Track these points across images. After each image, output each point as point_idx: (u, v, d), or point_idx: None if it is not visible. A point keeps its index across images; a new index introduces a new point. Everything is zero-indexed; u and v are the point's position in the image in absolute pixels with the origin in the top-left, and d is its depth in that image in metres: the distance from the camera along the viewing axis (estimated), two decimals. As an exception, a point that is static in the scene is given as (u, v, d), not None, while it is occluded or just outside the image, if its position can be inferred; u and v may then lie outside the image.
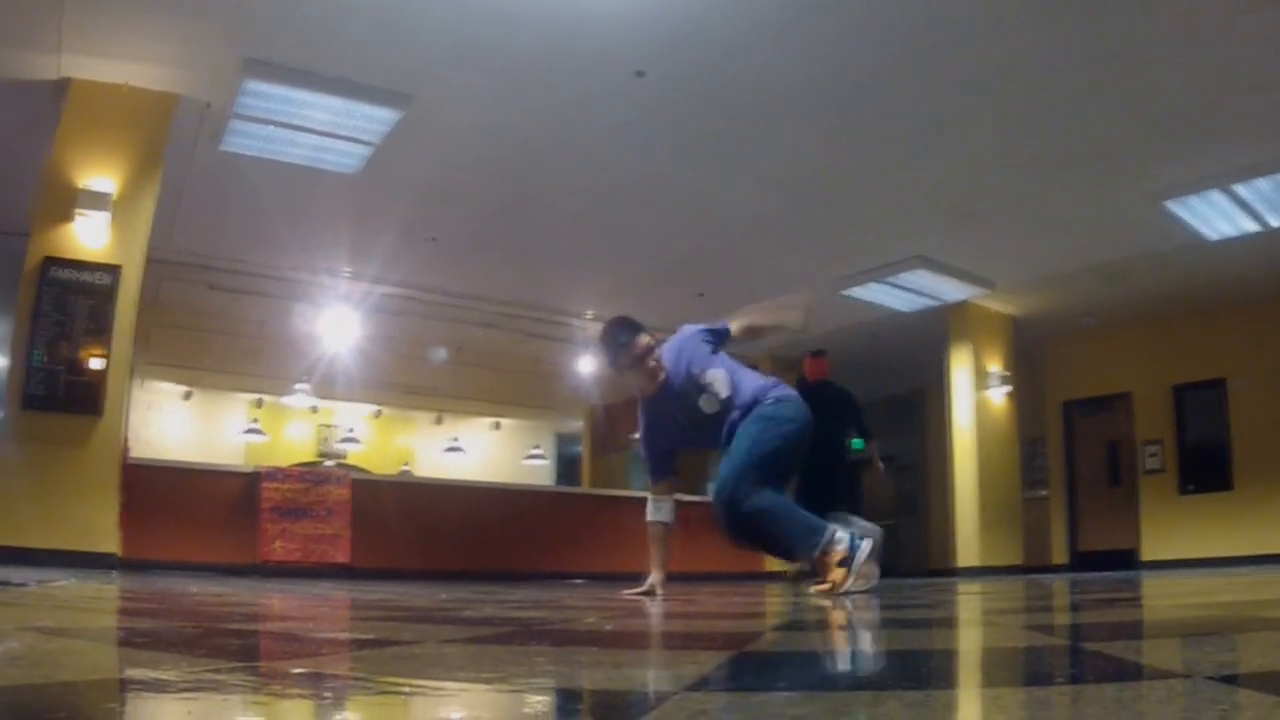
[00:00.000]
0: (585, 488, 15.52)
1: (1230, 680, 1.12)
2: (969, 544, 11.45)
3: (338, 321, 11.66)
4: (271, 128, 7.30)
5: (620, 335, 4.42)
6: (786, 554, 4.44)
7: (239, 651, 1.74)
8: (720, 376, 4.46)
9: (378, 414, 16.24)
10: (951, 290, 11.27)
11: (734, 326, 4.68)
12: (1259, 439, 11.31)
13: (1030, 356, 13.40)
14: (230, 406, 15.00)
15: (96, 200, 6.57)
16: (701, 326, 4.65)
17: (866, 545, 4.20)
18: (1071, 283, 11.24)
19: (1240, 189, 8.33)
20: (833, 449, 8.24)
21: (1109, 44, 6.35)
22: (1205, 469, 11.88)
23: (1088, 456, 13.53)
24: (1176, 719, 0.91)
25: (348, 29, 6.27)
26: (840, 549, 4.16)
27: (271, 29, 6.28)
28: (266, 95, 6.88)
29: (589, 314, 12.50)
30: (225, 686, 1.15)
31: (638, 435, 4.64)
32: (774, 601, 4.45)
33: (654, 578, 4.61)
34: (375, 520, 9.82)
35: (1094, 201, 8.89)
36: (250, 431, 14.59)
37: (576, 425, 17.61)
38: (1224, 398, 11.78)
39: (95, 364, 6.43)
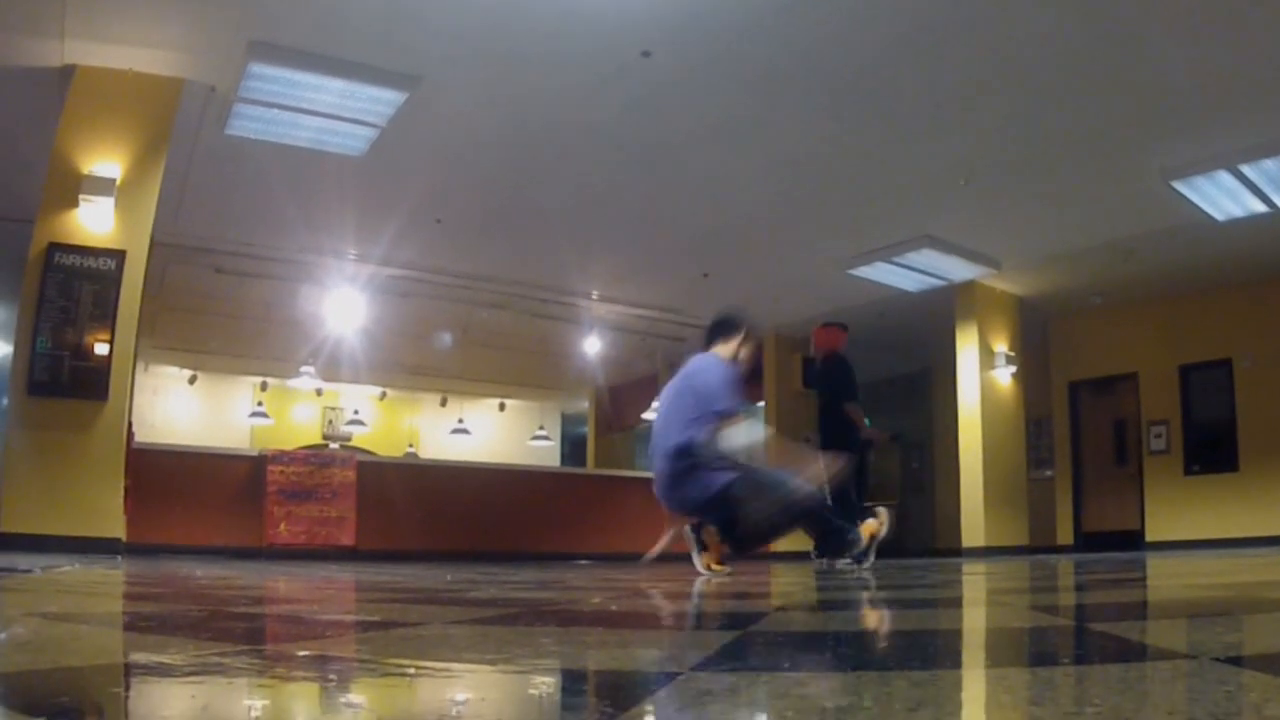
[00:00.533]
0: (591, 468, 15.55)
1: (1236, 662, 1.12)
2: (975, 524, 11.43)
3: (343, 304, 11.65)
4: (276, 111, 7.27)
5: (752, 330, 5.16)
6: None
7: (244, 635, 1.75)
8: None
9: (383, 396, 16.26)
10: (958, 270, 11.23)
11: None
12: (1265, 420, 11.25)
13: (1036, 336, 13.35)
14: (236, 390, 15.03)
15: (101, 186, 6.55)
16: None
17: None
18: (1078, 263, 11.18)
19: (1247, 169, 8.28)
20: (831, 427, 8.05)
21: (1116, 22, 6.29)
22: (1211, 450, 11.82)
23: (1093, 437, 13.50)
24: (1182, 699, 0.91)
25: (353, 11, 6.23)
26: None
27: (277, 11, 6.24)
28: (272, 78, 6.85)
29: (595, 294, 12.47)
30: (230, 670, 1.15)
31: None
32: (780, 581, 4.46)
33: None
34: (380, 502, 9.85)
35: (1100, 182, 8.83)
36: (256, 415, 14.63)
37: (582, 406, 17.62)
38: (1230, 378, 11.72)
39: (100, 349, 6.42)
